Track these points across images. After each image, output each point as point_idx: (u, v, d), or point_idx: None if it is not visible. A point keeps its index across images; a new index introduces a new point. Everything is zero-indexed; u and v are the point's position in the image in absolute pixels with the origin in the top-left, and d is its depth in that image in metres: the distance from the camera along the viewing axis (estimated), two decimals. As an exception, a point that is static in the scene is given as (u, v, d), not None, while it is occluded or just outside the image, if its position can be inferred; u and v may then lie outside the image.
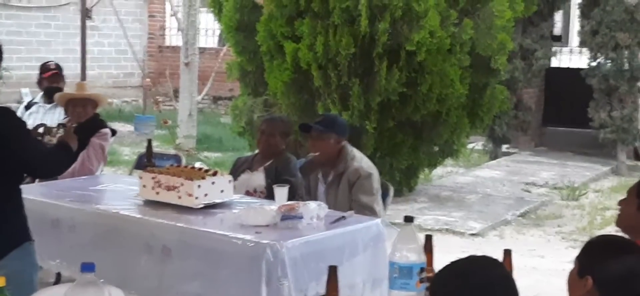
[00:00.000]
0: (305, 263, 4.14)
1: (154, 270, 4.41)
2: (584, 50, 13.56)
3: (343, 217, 4.55)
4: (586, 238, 8.29)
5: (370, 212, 5.03)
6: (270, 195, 5.30)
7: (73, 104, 6.27)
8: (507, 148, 13.34)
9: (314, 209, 4.45)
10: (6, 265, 3.47)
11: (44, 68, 7.15)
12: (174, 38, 18.06)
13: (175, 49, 17.27)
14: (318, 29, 8.58)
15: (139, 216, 4.61)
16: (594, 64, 12.53)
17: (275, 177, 5.41)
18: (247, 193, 5.36)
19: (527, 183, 10.83)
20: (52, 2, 16.00)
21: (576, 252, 2.76)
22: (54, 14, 16.08)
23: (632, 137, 12.39)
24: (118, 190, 5.18)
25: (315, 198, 5.13)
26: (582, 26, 12.74)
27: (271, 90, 9.06)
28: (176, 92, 13.82)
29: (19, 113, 6.23)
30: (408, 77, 8.59)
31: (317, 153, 5.23)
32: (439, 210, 9.01)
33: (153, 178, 4.75)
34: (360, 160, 5.29)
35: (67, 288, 2.31)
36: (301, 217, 4.38)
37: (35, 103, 6.99)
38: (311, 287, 4.20)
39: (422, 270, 2.84)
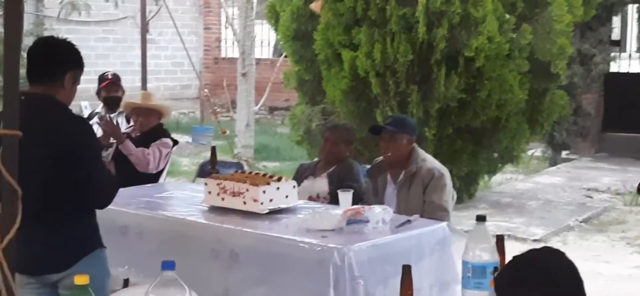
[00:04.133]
0: (372, 267, 4.14)
1: (221, 275, 4.43)
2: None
3: (408, 221, 4.54)
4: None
5: (443, 212, 5.00)
6: (333, 201, 5.33)
7: (137, 113, 6.38)
8: (567, 154, 13.18)
9: (379, 213, 4.44)
10: (79, 271, 3.49)
11: (102, 78, 7.30)
12: (229, 50, 18.22)
13: (231, 61, 17.41)
14: (375, 36, 8.58)
15: (205, 222, 4.66)
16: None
17: (338, 183, 5.42)
18: (310, 198, 5.38)
19: (588, 189, 10.69)
20: (110, 16, 16.22)
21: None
22: (112, 28, 16.31)
23: (695, 141, 12.18)
24: (183, 196, 5.23)
25: (382, 201, 5.11)
26: (641, 29, 12.57)
27: (329, 99, 9.08)
28: (233, 102, 13.94)
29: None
30: (467, 83, 8.55)
31: (387, 155, 5.21)
32: (500, 216, 8.94)
33: (218, 184, 4.79)
34: (432, 161, 5.27)
35: (149, 287, 2.33)
36: (367, 221, 4.37)
37: (97, 113, 7.09)
38: (378, 291, 4.20)
39: (495, 269, 2.82)
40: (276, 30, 10.08)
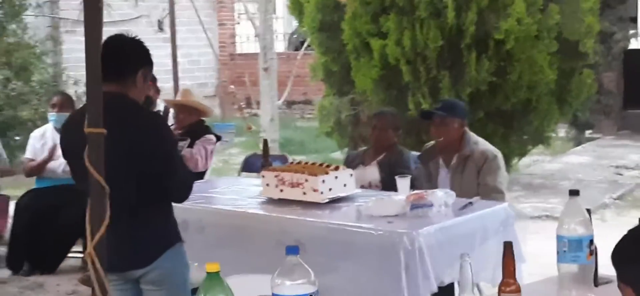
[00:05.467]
0: (440, 250, 4.17)
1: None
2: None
3: (470, 203, 4.56)
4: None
5: (498, 193, 5.01)
6: (385, 188, 5.36)
7: (177, 110, 6.41)
8: (590, 133, 13.18)
9: (441, 196, 4.46)
10: (162, 265, 3.55)
11: None
12: (244, 45, 18.22)
13: (246, 56, 17.44)
14: (404, 24, 8.59)
15: (268, 213, 4.68)
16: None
17: (389, 170, 5.44)
18: (362, 187, 5.39)
19: (617, 167, 10.69)
20: (124, 16, 16.24)
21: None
22: (127, 27, 16.24)
23: None
24: (239, 190, 5.26)
25: (435, 185, 5.12)
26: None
27: (359, 88, 9.09)
28: (249, 99, 13.95)
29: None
30: (497, 66, 8.56)
31: (440, 139, 5.22)
32: (535, 198, 8.95)
33: (276, 176, 4.81)
34: (484, 143, 5.29)
35: (276, 272, 2.36)
36: (431, 205, 4.40)
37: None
38: (447, 273, 4.22)
39: (591, 241, 2.83)
40: (300, 22, 10.09)
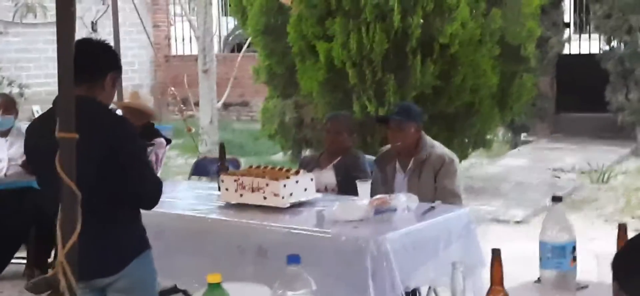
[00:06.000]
0: (406, 255, 4.16)
1: (249, 271, 4.40)
2: (593, 35, 13.65)
3: (432, 207, 4.57)
4: (629, 219, 8.32)
5: (454, 197, 5.04)
6: (341, 192, 5.34)
7: (126, 113, 6.28)
8: (525, 136, 13.39)
9: (404, 201, 4.47)
10: (131, 273, 3.47)
11: None
12: (179, 47, 18.05)
13: (182, 58, 17.27)
14: (350, 27, 8.58)
15: (229, 219, 4.62)
16: (608, 48, 12.60)
17: (345, 174, 5.42)
18: (318, 191, 5.35)
19: (554, 170, 10.87)
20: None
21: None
22: (60, 29, 16.01)
23: (650, 118, 12.48)
24: (196, 195, 5.20)
25: (392, 189, 5.12)
26: (594, 11, 12.79)
27: (304, 91, 9.05)
28: (185, 100, 13.77)
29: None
30: (441, 70, 8.61)
31: (397, 144, 5.22)
32: (477, 201, 9.03)
33: (236, 180, 4.76)
34: (441, 147, 5.30)
35: (277, 283, 2.31)
36: (395, 210, 4.40)
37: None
38: (413, 278, 4.23)
39: (573, 248, 2.85)
40: (243, 25, 10.03)
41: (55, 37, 2.82)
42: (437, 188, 5.13)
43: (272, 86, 9.81)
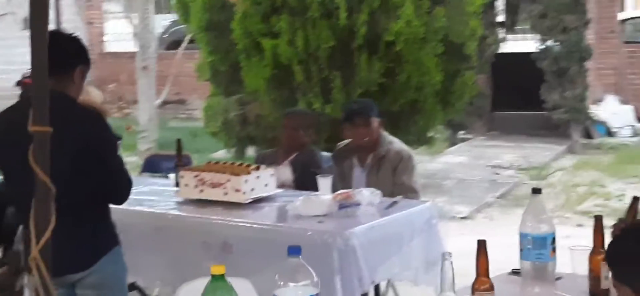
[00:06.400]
0: (372, 249, 4.17)
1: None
2: (528, 35, 13.90)
3: (395, 202, 4.59)
4: (570, 214, 8.47)
5: (412, 193, 5.07)
6: (299, 188, 5.32)
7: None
8: (463, 134, 13.55)
9: (368, 196, 4.48)
10: (101, 269, 3.42)
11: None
12: (113, 44, 17.81)
13: (116, 55, 17.05)
14: (296, 24, 8.58)
15: (191, 215, 4.56)
16: (543, 46, 12.84)
17: (302, 170, 5.42)
18: (275, 187, 5.34)
19: (494, 166, 11.04)
20: (-13, 14, 15.62)
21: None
22: (-9, 25, 15.68)
23: (584, 116, 12.76)
24: (154, 191, 5.10)
25: (350, 185, 5.11)
26: (529, 11, 13.02)
27: (249, 88, 9.01)
28: (121, 98, 13.66)
29: None
30: (387, 68, 8.66)
31: (365, 139, 5.22)
32: (422, 198, 9.09)
33: (195, 176, 4.71)
34: (399, 143, 5.33)
35: (277, 273, 2.30)
36: (359, 204, 4.41)
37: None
38: (379, 272, 4.25)
39: (553, 239, 2.89)
40: (185, 21, 9.94)
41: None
42: (395, 184, 5.15)
43: (215, 83, 9.74)
